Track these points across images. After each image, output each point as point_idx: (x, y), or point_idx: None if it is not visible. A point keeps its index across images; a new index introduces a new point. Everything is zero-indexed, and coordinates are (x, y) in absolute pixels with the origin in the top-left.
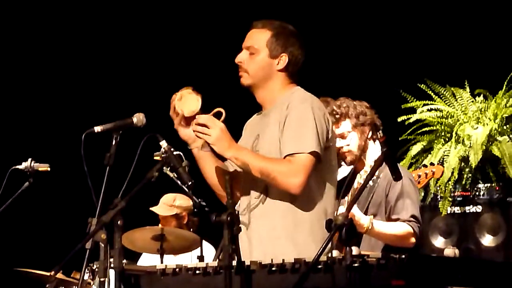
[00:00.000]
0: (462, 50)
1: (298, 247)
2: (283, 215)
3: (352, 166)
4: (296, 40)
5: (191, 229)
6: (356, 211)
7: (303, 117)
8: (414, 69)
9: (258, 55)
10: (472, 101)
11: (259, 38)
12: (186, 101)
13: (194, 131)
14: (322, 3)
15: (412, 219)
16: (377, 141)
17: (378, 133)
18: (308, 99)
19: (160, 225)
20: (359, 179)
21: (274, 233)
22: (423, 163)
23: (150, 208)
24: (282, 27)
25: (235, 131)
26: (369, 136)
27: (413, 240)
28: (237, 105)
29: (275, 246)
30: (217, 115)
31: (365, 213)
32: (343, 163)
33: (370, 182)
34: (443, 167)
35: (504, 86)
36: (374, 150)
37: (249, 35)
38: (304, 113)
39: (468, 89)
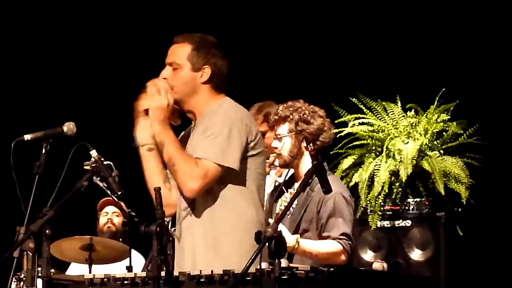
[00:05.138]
0: (394, 65)
1: (224, 259)
2: (208, 227)
3: (290, 170)
4: (218, 50)
5: (119, 239)
6: (282, 229)
7: (219, 126)
8: (346, 82)
9: (181, 70)
10: (403, 116)
11: (180, 52)
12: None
13: (148, 85)
14: (255, 12)
15: (342, 236)
16: None
17: (309, 145)
18: (231, 110)
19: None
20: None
21: (201, 245)
22: (353, 177)
23: None
24: (203, 39)
25: None
26: (304, 145)
27: (343, 257)
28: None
29: (202, 258)
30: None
31: (297, 227)
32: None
33: (299, 198)
34: None
35: (436, 102)
36: (308, 160)
37: (171, 51)
38: (222, 123)
39: (399, 104)
